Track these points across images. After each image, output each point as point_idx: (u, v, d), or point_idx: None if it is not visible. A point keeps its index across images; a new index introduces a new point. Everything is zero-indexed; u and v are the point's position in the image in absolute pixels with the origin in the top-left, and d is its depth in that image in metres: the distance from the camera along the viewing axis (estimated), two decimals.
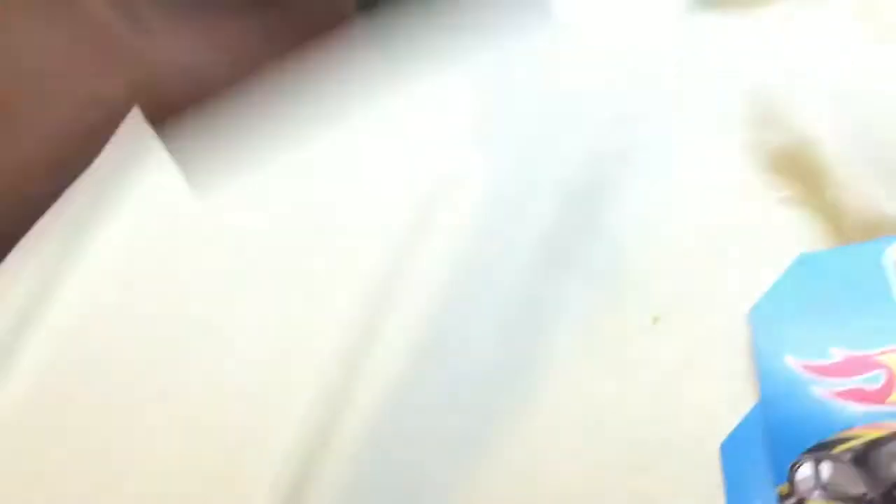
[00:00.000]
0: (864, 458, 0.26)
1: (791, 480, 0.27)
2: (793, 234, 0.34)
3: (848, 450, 0.27)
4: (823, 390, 0.28)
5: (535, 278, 0.38)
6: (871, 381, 0.28)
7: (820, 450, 0.27)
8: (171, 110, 0.36)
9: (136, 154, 0.52)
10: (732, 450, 0.30)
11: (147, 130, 0.49)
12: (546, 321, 0.36)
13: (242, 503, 0.34)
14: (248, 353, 0.39)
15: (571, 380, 0.34)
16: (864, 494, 0.26)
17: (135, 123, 0.53)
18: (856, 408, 0.27)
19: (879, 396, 0.27)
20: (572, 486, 0.32)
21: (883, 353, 0.28)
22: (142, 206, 0.49)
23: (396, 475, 0.33)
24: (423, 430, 0.34)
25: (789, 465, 0.28)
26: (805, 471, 0.27)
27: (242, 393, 0.38)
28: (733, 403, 0.31)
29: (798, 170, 0.35)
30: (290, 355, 0.38)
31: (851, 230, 0.32)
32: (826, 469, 0.27)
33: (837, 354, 0.29)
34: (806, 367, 0.29)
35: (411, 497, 0.33)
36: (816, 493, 0.27)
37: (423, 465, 0.33)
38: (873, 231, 0.32)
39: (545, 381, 0.34)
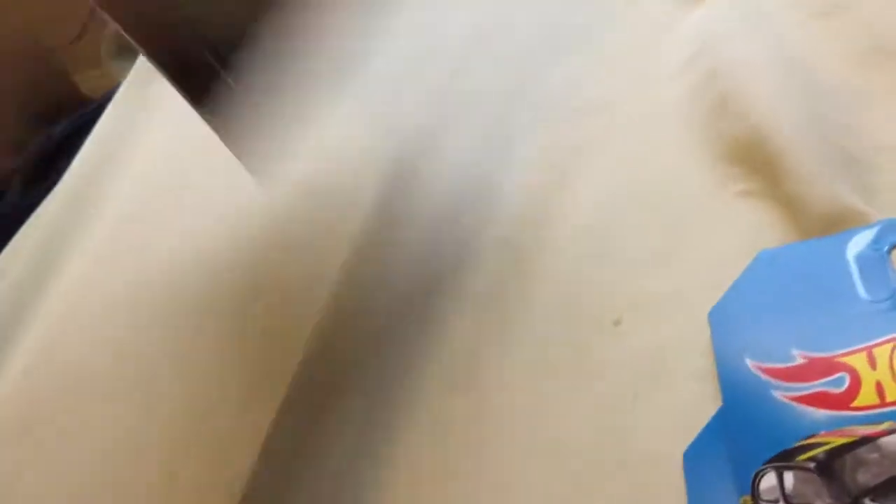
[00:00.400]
0: (829, 466, 0.25)
1: (754, 491, 0.26)
2: (752, 229, 0.32)
3: (811, 458, 0.25)
4: (785, 394, 0.27)
5: (490, 280, 0.36)
6: (834, 384, 0.26)
7: (783, 458, 0.26)
8: None
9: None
10: (695, 458, 0.29)
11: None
12: (501, 325, 0.35)
13: None
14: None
15: (528, 389, 0.32)
16: None
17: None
18: (819, 413, 0.26)
19: (843, 400, 0.26)
20: (530, 500, 0.30)
21: (847, 353, 0.27)
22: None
23: None
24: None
25: (752, 475, 0.26)
26: (768, 481, 0.26)
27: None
28: (698, 409, 0.30)
29: (756, 162, 0.33)
30: None
31: (813, 224, 0.31)
32: (789, 479, 0.26)
33: (799, 356, 0.27)
34: (766, 369, 0.28)
35: None
36: None
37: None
38: (836, 224, 0.30)
39: (500, 391, 0.33)
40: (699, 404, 0.30)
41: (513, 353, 0.34)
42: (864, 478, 0.24)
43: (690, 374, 0.31)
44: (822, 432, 0.26)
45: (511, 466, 0.31)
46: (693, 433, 0.29)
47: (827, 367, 0.27)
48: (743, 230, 0.33)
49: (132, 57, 0.68)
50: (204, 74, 0.32)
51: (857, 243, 0.28)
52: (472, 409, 0.33)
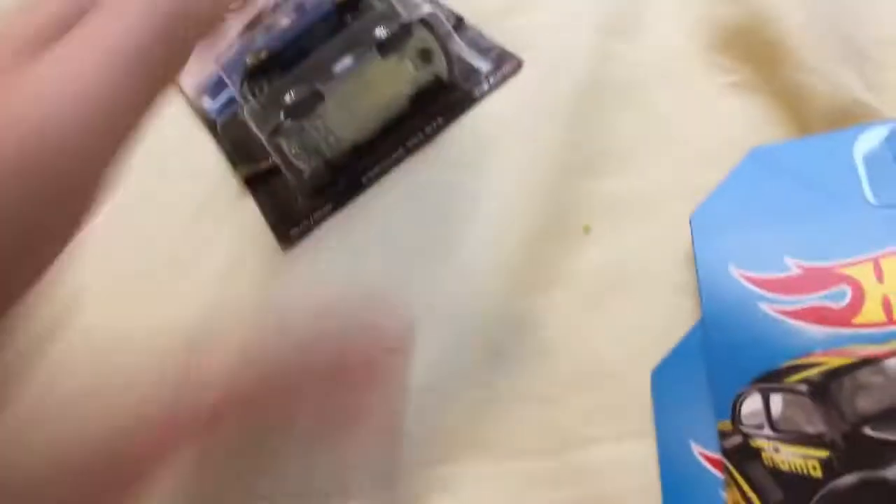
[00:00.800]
0: (824, 389, 0.22)
1: (735, 416, 0.23)
2: (743, 124, 0.29)
3: (804, 380, 0.22)
4: (776, 308, 0.23)
5: (454, 179, 0.32)
6: (833, 297, 0.23)
7: (770, 380, 0.23)
8: None
9: None
10: (665, 378, 0.26)
11: None
12: (463, 230, 0.31)
13: None
14: None
15: (491, 293, 0.29)
16: (822, 434, 0.21)
17: None
18: (815, 330, 0.23)
19: (844, 317, 0.22)
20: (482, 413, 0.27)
21: (850, 264, 0.23)
22: None
23: None
24: None
25: (733, 398, 0.23)
26: (751, 404, 0.23)
27: None
28: (670, 323, 0.26)
29: (753, 49, 0.29)
30: None
31: (815, 119, 0.27)
32: (777, 403, 0.22)
33: (794, 266, 0.24)
34: (755, 280, 0.24)
35: None
36: (764, 430, 0.22)
37: None
38: (841, 120, 0.26)
39: (457, 297, 0.29)
40: (673, 318, 0.26)
41: (473, 257, 0.30)
42: (865, 403, 0.21)
43: (665, 284, 0.27)
44: (818, 351, 0.22)
45: (465, 370, 0.28)
46: (664, 351, 0.26)
47: (826, 279, 0.23)
48: (732, 125, 0.29)
49: None
50: None
51: (867, 141, 0.25)
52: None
